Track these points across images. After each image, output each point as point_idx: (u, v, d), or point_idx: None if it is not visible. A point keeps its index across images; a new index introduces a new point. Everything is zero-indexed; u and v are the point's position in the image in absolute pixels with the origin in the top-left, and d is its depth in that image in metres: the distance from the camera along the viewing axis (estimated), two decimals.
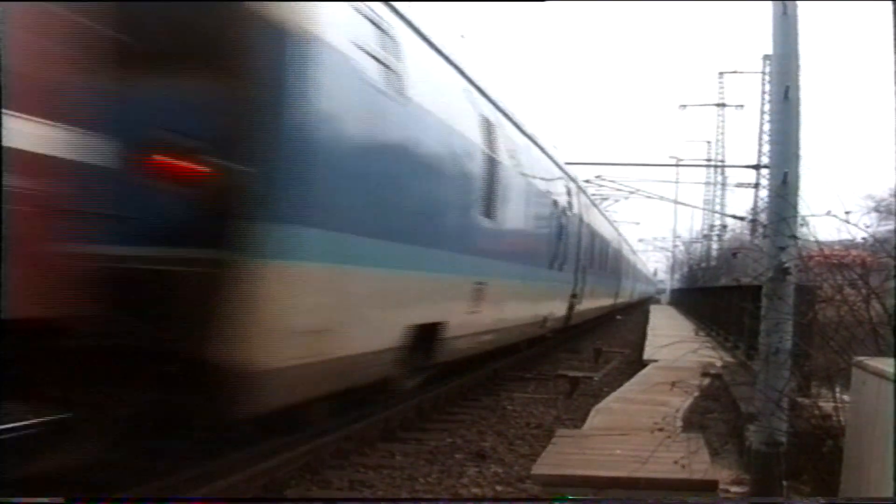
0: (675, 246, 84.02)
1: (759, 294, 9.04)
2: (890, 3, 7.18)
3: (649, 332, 28.81)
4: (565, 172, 24.08)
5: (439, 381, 13.92)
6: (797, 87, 8.28)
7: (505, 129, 15.35)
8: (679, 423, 10.43)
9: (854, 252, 8.58)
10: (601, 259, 32.93)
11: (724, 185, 57.75)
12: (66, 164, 5.61)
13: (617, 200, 43.00)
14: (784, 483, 7.73)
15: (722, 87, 59.56)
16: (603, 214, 38.21)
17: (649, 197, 37.70)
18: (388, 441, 11.10)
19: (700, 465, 8.21)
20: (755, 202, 43.79)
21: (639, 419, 11.23)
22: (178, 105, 7.01)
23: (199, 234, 6.76)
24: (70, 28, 5.65)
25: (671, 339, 14.80)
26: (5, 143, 4.92)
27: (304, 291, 7.72)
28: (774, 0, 8.34)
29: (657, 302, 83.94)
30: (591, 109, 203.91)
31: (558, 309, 22.15)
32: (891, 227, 16.09)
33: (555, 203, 20.55)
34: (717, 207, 58.18)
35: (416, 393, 12.46)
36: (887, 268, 7.83)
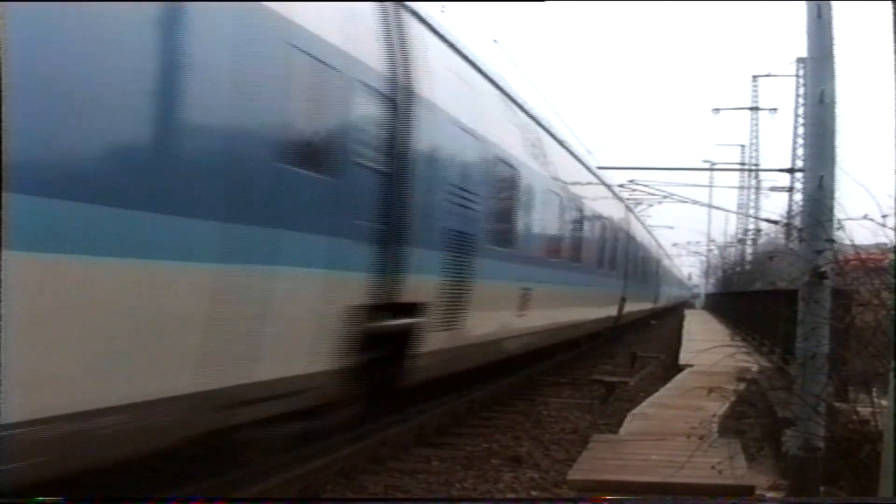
0: (710, 250, 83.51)
1: (794, 298, 9.01)
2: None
3: (684, 337, 28.67)
4: (622, 201, 30.77)
5: (474, 386, 13.95)
6: (833, 91, 8.23)
7: (594, 183, 22.44)
8: (715, 428, 10.38)
9: (892, 255, 8.51)
10: (644, 269, 38.74)
11: (758, 188, 57.30)
12: None
13: (651, 205, 42.75)
14: (821, 488, 7.70)
15: (756, 91, 59.13)
16: (646, 229, 43.95)
17: (683, 201, 37.39)
18: (424, 446, 11.13)
19: (737, 471, 8.18)
20: (790, 206, 43.45)
21: (675, 424, 11.20)
22: None
23: None
24: None
25: (706, 344, 14.71)
26: None
27: None
28: (809, 1, 8.31)
29: (691, 307, 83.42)
30: (625, 114, 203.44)
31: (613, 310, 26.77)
32: None
33: (616, 227, 26.63)
34: (752, 211, 57.78)
35: (452, 398, 12.55)
36: None
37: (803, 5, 8.36)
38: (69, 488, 5.21)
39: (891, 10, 6.91)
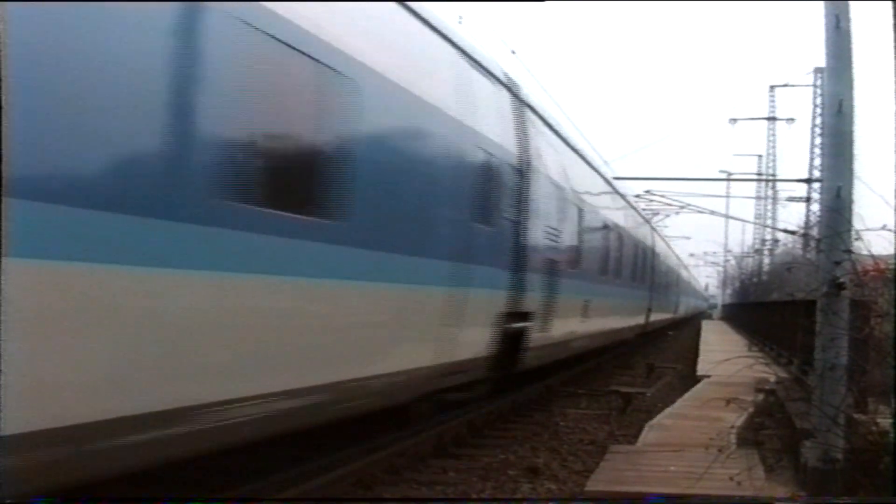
0: (727, 261, 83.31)
1: (813, 309, 8.97)
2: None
3: (702, 347, 28.58)
4: (674, 252, 49.55)
5: (491, 398, 13.94)
6: (851, 101, 8.20)
7: (657, 238, 36.77)
8: (733, 440, 10.34)
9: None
10: (686, 289, 60.11)
11: (775, 199, 57.18)
12: None
13: (668, 215, 42.72)
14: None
15: (773, 101, 59.00)
16: (680, 261, 60.05)
17: (700, 211, 37.32)
18: (441, 457, 11.10)
19: (755, 482, 8.15)
20: (807, 216, 43.34)
21: (692, 435, 11.16)
22: None
23: None
24: None
25: (724, 355, 14.68)
26: None
27: None
28: (827, 3, 8.27)
29: (709, 317, 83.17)
30: (642, 124, 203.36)
31: (669, 314, 44.18)
32: None
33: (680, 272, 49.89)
34: (769, 222, 57.62)
35: (469, 409, 12.57)
36: None
37: (822, 15, 8.34)
38: None
39: (891, 10, 6.91)
